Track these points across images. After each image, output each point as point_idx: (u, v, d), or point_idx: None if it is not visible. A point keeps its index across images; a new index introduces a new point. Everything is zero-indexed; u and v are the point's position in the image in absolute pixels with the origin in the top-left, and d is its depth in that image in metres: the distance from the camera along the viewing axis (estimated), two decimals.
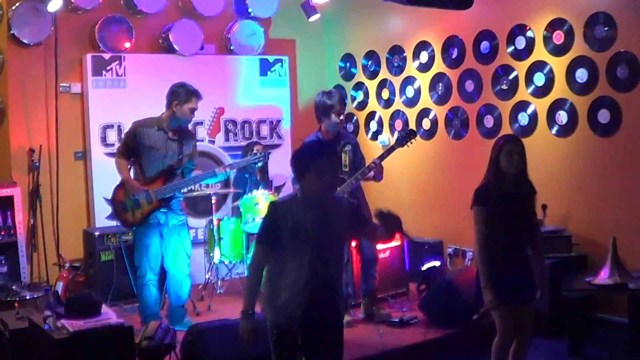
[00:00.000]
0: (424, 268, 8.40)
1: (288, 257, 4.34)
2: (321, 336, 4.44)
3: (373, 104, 10.13)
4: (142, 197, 6.87)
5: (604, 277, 6.50)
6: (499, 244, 5.40)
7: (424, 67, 9.30)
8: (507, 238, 5.40)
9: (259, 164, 7.89)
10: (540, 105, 7.90)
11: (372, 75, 10.11)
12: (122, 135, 7.24)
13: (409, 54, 9.50)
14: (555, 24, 7.69)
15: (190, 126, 9.18)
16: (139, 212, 6.92)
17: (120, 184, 7.00)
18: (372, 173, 7.03)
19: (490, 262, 5.40)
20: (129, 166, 7.07)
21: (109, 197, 7.20)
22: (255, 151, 8.70)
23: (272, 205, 4.49)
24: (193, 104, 7.02)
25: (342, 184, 7.01)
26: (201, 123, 9.41)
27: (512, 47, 8.15)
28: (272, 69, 10.01)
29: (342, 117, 7.23)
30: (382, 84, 9.95)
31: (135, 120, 7.14)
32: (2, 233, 8.07)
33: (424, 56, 9.30)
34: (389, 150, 7.08)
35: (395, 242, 8.18)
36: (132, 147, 6.95)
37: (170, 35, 9.17)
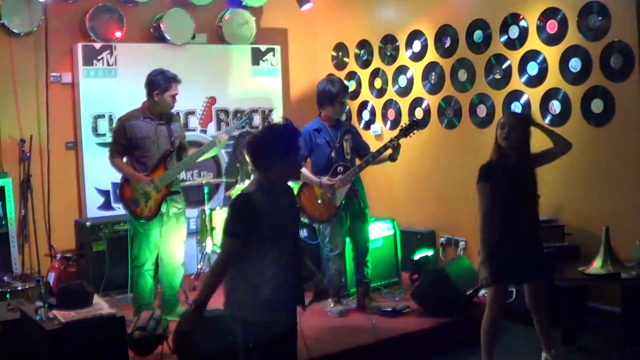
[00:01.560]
0: (416, 257, 8.40)
1: (266, 249, 4.18)
2: (292, 329, 4.41)
3: (365, 94, 10.11)
4: (150, 187, 6.83)
5: (596, 266, 6.50)
6: (502, 220, 5.47)
7: (417, 57, 9.28)
8: (510, 215, 5.49)
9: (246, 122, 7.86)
10: (533, 95, 7.88)
11: (365, 64, 10.08)
12: (112, 135, 7.11)
13: (401, 43, 9.47)
14: (548, 13, 7.67)
15: (182, 116, 9.21)
16: (152, 203, 6.87)
17: (123, 181, 6.93)
18: (388, 151, 7.04)
19: (491, 239, 5.53)
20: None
21: (119, 197, 7.07)
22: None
23: (245, 197, 4.24)
24: (173, 91, 6.97)
25: (345, 171, 7.04)
26: (193, 112, 9.39)
27: (506, 37, 8.13)
28: (264, 59, 9.98)
29: (345, 105, 7.26)
30: (375, 73, 9.92)
31: (120, 117, 7.10)
32: None
33: (416, 45, 9.27)
34: (398, 137, 7.08)
35: (389, 231, 8.20)
36: (125, 144, 6.88)
37: (161, 25, 9.13)
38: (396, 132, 7.25)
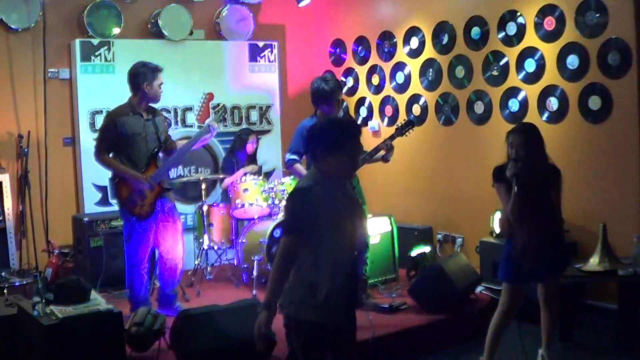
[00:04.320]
0: (413, 254, 8.40)
1: (324, 245, 4.03)
2: (349, 329, 4.29)
3: (363, 90, 10.11)
4: (145, 186, 6.83)
5: (593, 263, 6.51)
6: (520, 224, 5.56)
7: (415, 53, 9.28)
8: (527, 220, 5.52)
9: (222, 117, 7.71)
10: (530, 92, 7.89)
11: (362, 61, 10.09)
12: (100, 131, 7.00)
13: (399, 39, 9.47)
14: (546, 10, 7.67)
15: (179, 112, 9.21)
16: (147, 202, 6.83)
17: (118, 180, 6.86)
18: (382, 152, 7.05)
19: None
20: None
21: (116, 197, 6.98)
22: (251, 139, 8.76)
23: (302, 192, 4.10)
24: (160, 79, 6.92)
25: None
26: (190, 109, 9.38)
27: (503, 33, 8.13)
28: (261, 55, 9.98)
29: (339, 103, 7.26)
30: (372, 70, 9.93)
31: (108, 113, 7.08)
32: None
33: (414, 42, 9.27)
34: (390, 138, 7.08)
35: (386, 228, 8.20)
36: (114, 140, 6.80)
37: (159, 21, 9.12)
38: (392, 130, 7.25)
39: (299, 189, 4.16)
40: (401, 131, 7.12)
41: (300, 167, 7.13)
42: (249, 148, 8.84)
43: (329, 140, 4.10)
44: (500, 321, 5.77)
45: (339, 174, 4.14)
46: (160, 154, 6.98)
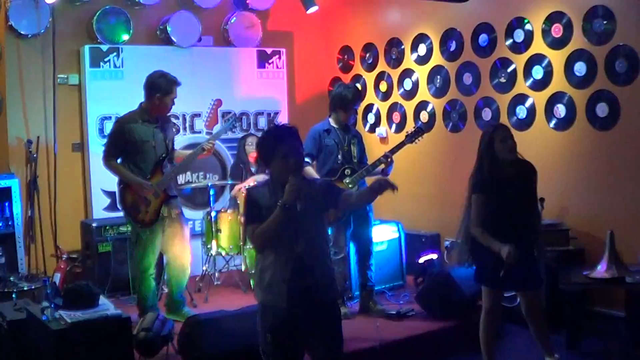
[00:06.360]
0: (421, 261, 8.41)
1: None
2: (313, 318, 4.48)
3: (371, 97, 10.12)
4: (150, 193, 6.81)
5: (601, 270, 6.52)
6: (496, 230, 5.50)
7: (422, 60, 9.29)
8: (505, 225, 5.51)
9: (233, 125, 7.88)
10: (538, 99, 7.90)
11: (370, 67, 10.10)
12: (109, 136, 7.06)
13: (407, 46, 9.48)
14: (554, 17, 7.68)
15: (187, 118, 9.24)
16: (152, 209, 6.83)
17: (123, 186, 6.89)
18: (382, 166, 7.07)
19: (482, 234, 5.63)
20: None
21: (120, 203, 7.05)
22: (249, 141, 8.74)
23: (248, 190, 4.71)
24: (174, 94, 6.93)
25: (353, 174, 7.07)
26: (199, 115, 9.41)
27: (511, 40, 8.14)
28: (270, 61, 10.00)
29: (355, 112, 7.37)
30: (380, 77, 9.94)
31: (118, 119, 7.10)
32: (0, 224, 8.08)
33: (422, 49, 9.29)
34: (399, 146, 7.11)
35: (393, 234, 8.22)
36: (122, 147, 6.83)
37: (168, 27, 9.15)
38: (400, 136, 7.26)
39: (247, 188, 4.85)
40: (411, 138, 7.14)
41: (311, 170, 7.15)
42: (249, 152, 8.81)
43: (265, 148, 4.56)
44: (487, 323, 5.83)
45: (281, 177, 4.47)
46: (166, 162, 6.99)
